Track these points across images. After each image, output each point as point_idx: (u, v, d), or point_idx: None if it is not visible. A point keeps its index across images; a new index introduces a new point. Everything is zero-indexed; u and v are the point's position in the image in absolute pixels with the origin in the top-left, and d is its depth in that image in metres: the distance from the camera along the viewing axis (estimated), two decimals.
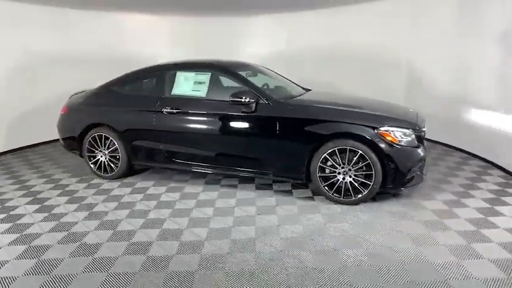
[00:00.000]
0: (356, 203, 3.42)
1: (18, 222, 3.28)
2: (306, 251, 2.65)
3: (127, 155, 4.24)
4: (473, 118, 4.93)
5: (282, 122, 3.52)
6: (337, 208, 3.39)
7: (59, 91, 5.89)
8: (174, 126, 3.95)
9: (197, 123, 3.89)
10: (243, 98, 3.56)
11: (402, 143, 3.26)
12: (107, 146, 4.31)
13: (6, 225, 3.21)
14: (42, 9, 5.92)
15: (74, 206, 3.62)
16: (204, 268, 2.48)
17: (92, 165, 4.43)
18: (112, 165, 4.33)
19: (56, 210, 3.53)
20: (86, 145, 4.38)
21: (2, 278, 2.42)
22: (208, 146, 3.90)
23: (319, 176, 3.46)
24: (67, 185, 4.24)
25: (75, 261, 2.60)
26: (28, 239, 2.95)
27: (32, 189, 4.12)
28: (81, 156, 4.56)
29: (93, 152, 4.40)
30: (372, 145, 3.25)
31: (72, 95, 4.84)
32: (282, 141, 3.54)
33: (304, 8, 7.05)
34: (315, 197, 3.68)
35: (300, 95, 4.07)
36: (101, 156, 4.37)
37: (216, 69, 3.98)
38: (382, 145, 3.22)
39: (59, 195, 3.94)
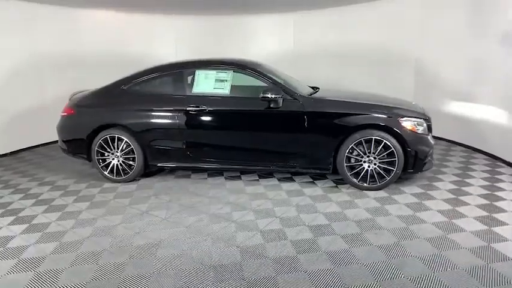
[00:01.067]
0: (381, 188, 3.74)
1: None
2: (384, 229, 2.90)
3: (143, 156, 4.14)
4: (485, 118, 4.85)
5: (311, 116, 3.72)
6: (371, 193, 3.68)
7: (63, 91, 5.63)
8: (199, 125, 3.96)
9: (224, 121, 3.96)
10: (272, 94, 3.70)
11: (419, 132, 3.65)
12: (120, 148, 4.16)
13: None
14: (49, 8, 5.96)
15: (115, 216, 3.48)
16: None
17: (102, 169, 4.24)
18: (126, 167, 4.19)
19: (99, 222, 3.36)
20: (96, 148, 4.18)
21: None
22: (236, 142, 3.98)
23: (346, 166, 3.73)
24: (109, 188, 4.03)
25: None
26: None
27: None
28: (89, 160, 4.35)
29: (103, 155, 4.22)
30: (395, 134, 3.59)
31: (73, 95, 4.59)
32: (311, 134, 3.75)
33: (311, 7, 7.05)
34: (339, 186, 3.94)
35: (315, 92, 4.30)
36: (113, 159, 4.21)
37: (239, 67, 4.06)
38: (404, 134, 3.58)
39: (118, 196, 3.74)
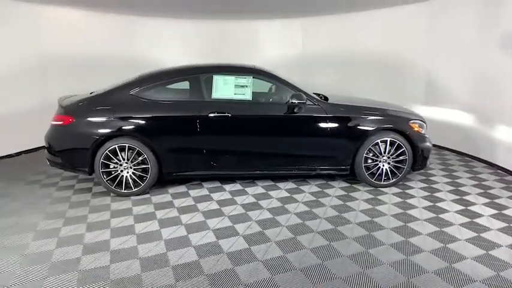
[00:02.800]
0: (393, 184, 4.12)
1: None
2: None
3: (158, 166, 3.88)
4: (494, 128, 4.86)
5: (333, 120, 3.94)
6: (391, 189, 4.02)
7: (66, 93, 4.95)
8: (222, 131, 3.87)
9: (247, 127, 3.93)
10: (299, 100, 3.83)
11: (422, 132, 4.13)
12: (131, 159, 3.82)
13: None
14: (56, 9, 5.94)
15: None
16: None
17: (108, 183, 3.84)
18: (136, 179, 3.87)
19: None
20: (101, 160, 3.78)
21: None
22: (259, 148, 3.98)
23: (364, 166, 4.03)
24: None
25: None
26: None
27: None
28: (89, 173, 3.90)
29: (108, 166, 3.83)
30: (405, 135, 4.01)
31: (62, 100, 4.08)
32: (333, 138, 3.96)
33: (320, 13, 7.06)
34: (354, 185, 4.22)
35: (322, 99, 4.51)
36: (122, 171, 3.85)
37: (259, 73, 4.08)
38: (413, 135, 4.02)
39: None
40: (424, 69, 6.11)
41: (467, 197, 3.81)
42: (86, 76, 6.30)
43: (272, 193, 3.96)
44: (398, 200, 3.76)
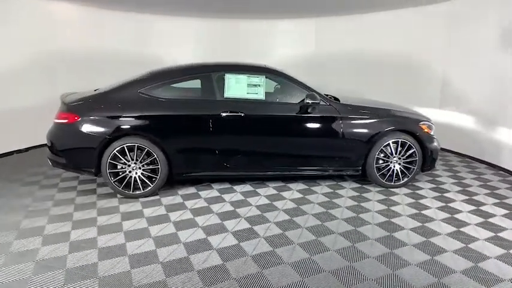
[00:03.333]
0: (403, 185, 4.14)
1: None
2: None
3: (168, 166, 3.76)
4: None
5: (347, 121, 3.92)
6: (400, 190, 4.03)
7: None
8: (235, 130, 3.79)
9: (261, 126, 3.86)
10: (314, 100, 3.79)
11: (432, 133, 4.17)
12: (140, 159, 3.69)
13: None
14: (67, 6, 5.97)
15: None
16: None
17: (115, 184, 3.69)
18: (146, 180, 3.73)
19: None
20: (109, 160, 3.63)
21: None
22: (272, 148, 3.92)
23: (376, 167, 4.04)
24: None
25: None
26: None
27: None
28: (95, 174, 3.74)
29: (116, 167, 3.68)
30: (416, 136, 4.04)
31: (65, 96, 3.93)
32: (347, 138, 3.94)
33: (335, 13, 6.94)
34: (365, 186, 4.21)
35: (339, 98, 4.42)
36: (130, 172, 3.71)
37: (271, 72, 4.02)
38: (423, 136, 4.05)
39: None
40: (441, 72, 5.94)
41: (476, 198, 3.87)
42: (94, 73, 6.24)
43: (284, 194, 3.90)
44: (411, 200, 3.78)
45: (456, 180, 4.44)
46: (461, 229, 3.12)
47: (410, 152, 4.04)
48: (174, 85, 3.93)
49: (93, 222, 3.22)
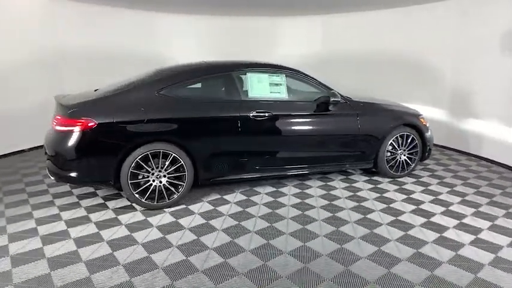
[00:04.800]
0: (407, 174, 4.50)
1: None
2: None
3: (194, 172, 3.52)
4: None
5: (362, 117, 4.11)
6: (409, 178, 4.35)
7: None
8: (263, 131, 3.71)
9: (287, 126, 3.83)
10: (337, 98, 3.90)
11: (428, 126, 4.60)
12: (165, 166, 3.39)
13: None
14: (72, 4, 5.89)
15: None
16: None
17: (137, 195, 3.34)
18: (171, 187, 3.45)
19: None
20: (130, 169, 3.27)
21: None
22: (298, 147, 3.92)
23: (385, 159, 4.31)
24: None
25: None
26: None
27: None
28: (115, 187, 3.34)
29: (137, 177, 3.34)
30: (417, 129, 4.41)
31: (61, 98, 3.53)
32: (362, 134, 4.13)
33: (341, 11, 6.80)
34: (375, 176, 4.47)
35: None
36: (154, 180, 3.39)
37: (291, 71, 4.00)
38: (423, 129, 4.44)
39: None
40: (451, 72, 5.80)
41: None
42: (94, 72, 6.09)
43: (309, 191, 3.94)
44: (422, 187, 4.12)
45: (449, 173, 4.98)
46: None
47: (414, 143, 4.40)
48: (194, 85, 3.69)
49: (130, 240, 2.87)
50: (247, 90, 3.75)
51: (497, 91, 5.01)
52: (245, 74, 3.80)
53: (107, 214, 3.34)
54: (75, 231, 3.00)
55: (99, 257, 2.61)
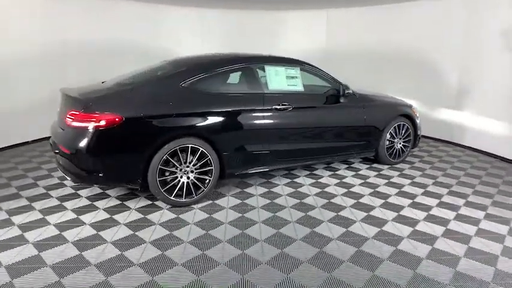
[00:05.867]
0: (402, 161, 4.86)
1: None
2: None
3: (220, 166, 3.47)
4: None
5: (368, 109, 4.35)
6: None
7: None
8: (285, 123, 3.76)
9: (305, 118, 3.93)
10: (350, 90, 4.09)
11: (418, 116, 5.00)
12: (194, 161, 3.29)
13: None
14: None
15: None
16: None
17: (166, 194, 3.21)
18: (198, 183, 3.36)
19: None
20: (159, 165, 3.12)
21: None
22: (317, 137, 4.06)
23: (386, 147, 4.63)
24: None
25: None
26: None
27: None
28: (141, 187, 3.16)
29: (163, 174, 3.20)
30: (411, 119, 4.79)
31: (70, 91, 3.30)
32: (368, 125, 4.37)
33: (347, 5, 6.70)
34: (374, 164, 4.77)
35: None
36: (181, 176, 3.27)
37: (304, 64, 4.07)
38: (414, 118, 4.83)
39: None
40: (459, 69, 5.68)
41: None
42: (97, 64, 5.97)
43: (323, 181, 4.09)
44: (419, 172, 4.51)
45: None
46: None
47: (408, 132, 4.78)
48: (216, 78, 3.59)
49: (176, 240, 2.77)
50: (267, 83, 3.76)
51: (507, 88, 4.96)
52: (263, 66, 3.80)
53: (133, 215, 3.16)
54: (109, 235, 2.80)
55: (152, 258, 2.49)
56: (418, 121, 4.86)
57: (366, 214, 3.27)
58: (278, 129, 3.73)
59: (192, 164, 3.28)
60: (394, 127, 4.62)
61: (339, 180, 4.13)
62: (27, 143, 5.43)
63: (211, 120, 3.34)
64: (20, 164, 4.45)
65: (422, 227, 3.05)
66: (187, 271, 2.36)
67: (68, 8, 5.65)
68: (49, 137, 3.51)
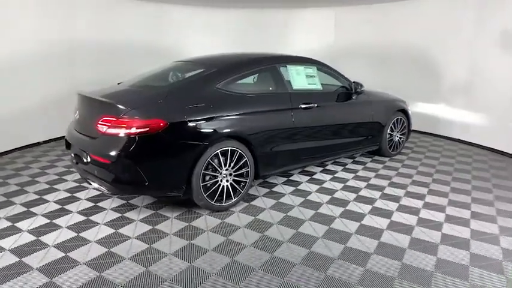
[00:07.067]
0: (399, 153, 5.22)
1: None
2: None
3: (255, 168, 3.45)
4: None
5: (375, 105, 4.61)
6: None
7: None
8: (311, 121, 3.84)
9: (325, 115, 4.03)
10: (360, 88, 4.30)
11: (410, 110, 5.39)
12: (233, 163, 3.23)
13: None
14: None
15: None
16: None
17: (208, 199, 3.12)
18: (236, 186, 3.31)
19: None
20: (202, 170, 3.03)
21: None
22: (337, 134, 4.19)
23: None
24: None
25: None
26: None
27: None
28: (185, 193, 3.04)
29: (204, 179, 3.12)
30: (406, 114, 5.16)
31: (95, 93, 3.17)
32: (374, 120, 4.63)
33: (355, 2, 6.64)
34: (375, 157, 5.06)
35: None
36: (221, 180, 3.20)
37: (320, 64, 4.18)
38: (408, 113, 5.22)
39: None
40: (469, 69, 5.62)
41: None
42: (111, 64, 6.06)
43: (340, 175, 4.26)
44: (418, 162, 4.89)
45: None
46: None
47: (403, 126, 5.15)
48: (244, 78, 3.56)
49: (226, 251, 2.71)
50: (290, 83, 3.81)
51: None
52: (286, 66, 3.84)
53: (177, 224, 3.00)
54: (165, 246, 2.66)
55: (225, 266, 2.42)
56: (410, 115, 5.26)
57: (397, 204, 3.49)
58: (306, 127, 3.80)
59: (231, 166, 3.22)
60: (393, 121, 4.95)
61: (354, 174, 4.33)
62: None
63: (248, 121, 3.32)
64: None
65: (450, 211, 3.35)
66: (268, 275, 2.34)
67: (75, 7, 5.64)
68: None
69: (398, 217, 3.20)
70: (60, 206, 3.32)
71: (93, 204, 3.37)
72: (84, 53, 5.83)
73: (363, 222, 3.10)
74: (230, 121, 3.18)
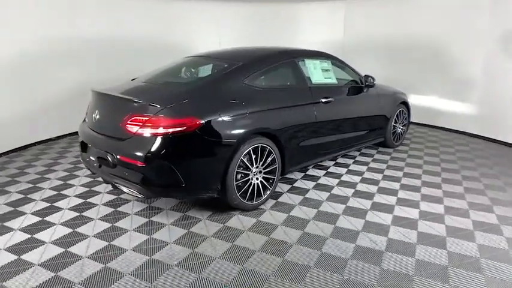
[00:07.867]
0: (401, 144, 5.36)
1: None
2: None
3: (282, 164, 3.40)
4: None
5: (383, 97, 4.69)
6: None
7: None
8: (331, 115, 3.84)
9: (342, 109, 4.05)
10: (373, 81, 4.35)
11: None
12: (263, 161, 3.16)
13: None
14: None
15: None
16: None
17: (241, 197, 3.03)
18: (265, 183, 3.24)
19: None
20: (236, 169, 2.93)
21: None
22: (353, 127, 4.22)
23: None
24: None
25: None
26: None
27: None
28: (219, 193, 2.93)
29: (236, 177, 3.02)
30: (407, 106, 5.30)
31: (114, 90, 3.04)
32: (383, 112, 4.71)
33: None
34: (380, 148, 5.16)
35: None
36: (252, 178, 3.12)
37: (333, 58, 4.17)
38: (408, 105, 5.36)
39: None
40: (485, 65, 5.48)
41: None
42: (119, 60, 5.97)
43: (353, 168, 4.31)
44: (422, 153, 5.05)
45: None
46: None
47: (405, 117, 5.29)
48: (269, 73, 3.49)
49: (279, 250, 2.66)
50: (309, 77, 3.77)
51: None
52: (304, 60, 3.80)
53: (212, 226, 2.90)
54: (205, 248, 2.55)
55: (279, 266, 2.36)
56: (410, 107, 5.42)
57: (419, 194, 3.57)
58: (327, 121, 3.79)
59: (261, 164, 3.15)
60: (397, 113, 5.07)
61: (366, 166, 4.39)
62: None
63: (276, 116, 3.25)
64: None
65: (470, 199, 3.48)
66: (326, 272, 2.31)
67: (84, 4, 5.51)
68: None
69: (427, 207, 3.28)
70: (78, 214, 3.09)
71: (112, 209, 3.18)
72: (88, 50, 5.62)
73: (394, 213, 3.15)
74: (260, 117, 3.10)
